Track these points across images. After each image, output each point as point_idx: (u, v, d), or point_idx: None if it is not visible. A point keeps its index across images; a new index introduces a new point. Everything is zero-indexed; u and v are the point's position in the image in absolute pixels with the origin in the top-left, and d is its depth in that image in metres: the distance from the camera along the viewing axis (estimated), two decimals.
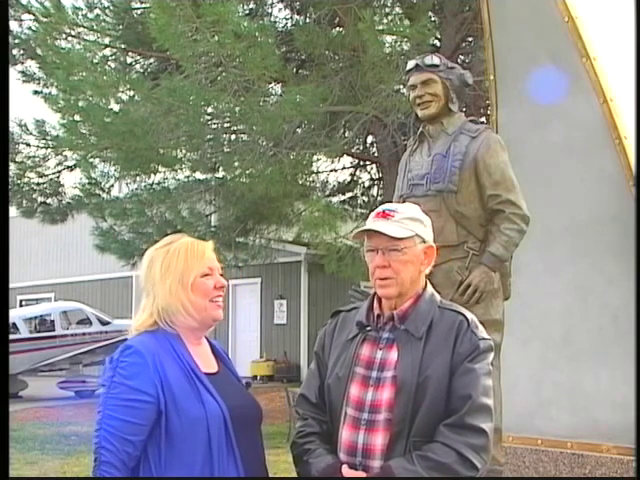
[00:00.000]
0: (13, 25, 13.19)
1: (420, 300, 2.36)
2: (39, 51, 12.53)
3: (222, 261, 2.48)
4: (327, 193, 14.58)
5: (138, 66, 13.73)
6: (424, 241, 2.37)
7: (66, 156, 13.91)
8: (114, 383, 2.19)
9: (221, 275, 2.38)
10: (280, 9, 13.67)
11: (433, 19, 11.56)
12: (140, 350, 2.22)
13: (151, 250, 2.38)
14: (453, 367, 2.23)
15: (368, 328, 2.37)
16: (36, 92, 13.68)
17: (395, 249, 2.31)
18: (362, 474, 2.21)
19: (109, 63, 12.94)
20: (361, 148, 14.24)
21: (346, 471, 2.22)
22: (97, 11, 13.10)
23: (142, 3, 13.26)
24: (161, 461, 2.17)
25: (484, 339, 2.30)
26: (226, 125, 11.74)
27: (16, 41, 13.38)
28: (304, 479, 2.31)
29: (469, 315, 2.34)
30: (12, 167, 13.61)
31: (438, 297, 2.41)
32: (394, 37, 10.46)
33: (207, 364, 2.34)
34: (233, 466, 2.20)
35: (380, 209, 2.39)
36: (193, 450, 2.17)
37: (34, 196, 14.55)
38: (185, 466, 2.16)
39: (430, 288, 2.42)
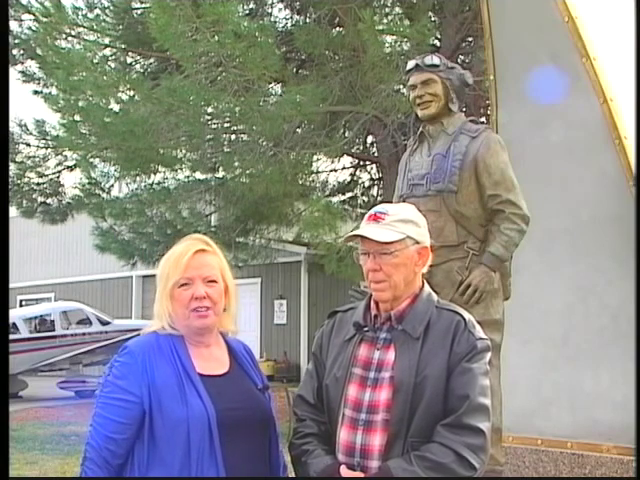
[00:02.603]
0: (13, 25, 13.17)
1: (417, 300, 2.36)
2: (39, 51, 12.51)
3: None
4: (327, 193, 14.56)
5: (138, 66, 13.71)
6: (417, 242, 2.36)
7: (66, 156, 13.90)
8: (107, 382, 2.27)
9: (213, 282, 2.33)
10: (280, 9, 13.66)
11: (433, 19, 11.55)
12: (134, 351, 2.29)
13: None
14: (450, 367, 2.23)
15: (365, 329, 2.37)
16: (36, 92, 13.66)
17: (385, 252, 2.31)
18: (360, 474, 2.21)
19: (109, 63, 12.91)
20: (361, 148, 14.22)
21: (344, 471, 2.22)
22: (97, 11, 13.08)
23: (142, 3, 13.24)
24: (144, 461, 2.21)
25: (481, 339, 2.30)
26: (226, 125, 11.72)
27: (16, 41, 13.36)
28: (303, 479, 2.31)
29: (466, 315, 2.34)
30: (12, 167, 13.60)
31: (435, 297, 2.41)
32: (394, 37, 10.45)
33: (212, 366, 2.35)
34: (214, 470, 2.20)
35: (372, 211, 2.38)
36: (172, 451, 2.19)
37: (34, 196, 14.53)
38: (165, 467, 2.19)
39: (427, 288, 2.42)
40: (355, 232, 2.36)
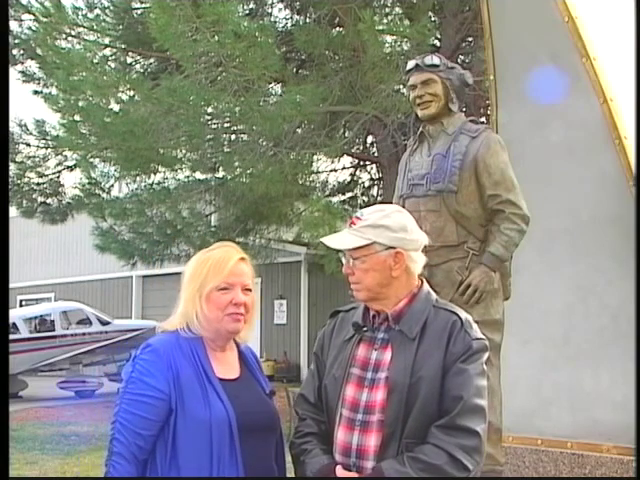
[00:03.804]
0: (13, 25, 13.18)
1: (415, 300, 2.36)
2: (39, 51, 12.51)
3: None
4: (327, 193, 14.56)
5: (138, 66, 13.71)
6: (391, 247, 2.31)
7: (66, 156, 13.90)
8: (131, 378, 2.29)
9: (248, 290, 2.39)
10: (280, 9, 13.66)
11: (433, 19, 11.55)
12: (158, 349, 2.32)
13: (195, 255, 2.47)
14: (446, 367, 2.23)
15: (364, 329, 2.38)
16: (36, 92, 13.67)
17: (354, 257, 2.34)
18: (355, 475, 2.22)
19: (109, 63, 12.91)
20: (361, 148, 14.23)
21: (340, 472, 2.23)
22: (97, 11, 13.09)
23: (142, 3, 13.24)
24: (166, 458, 2.24)
25: (478, 339, 2.29)
26: (226, 125, 11.72)
27: (16, 41, 13.37)
28: (301, 479, 2.31)
29: (463, 315, 2.33)
30: (12, 167, 13.60)
31: (434, 296, 2.40)
32: (394, 37, 10.45)
33: (227, 370, 2.39)
34: (234, 471, 2.23)
35: (356, 214, 2.40)
36: (193, 451, 2.22)
37: (34, 196, 14.53)
38: (184, 466, 2.22)
39: (426, 287, 2.41)
40: (321, 238, 2.41)
